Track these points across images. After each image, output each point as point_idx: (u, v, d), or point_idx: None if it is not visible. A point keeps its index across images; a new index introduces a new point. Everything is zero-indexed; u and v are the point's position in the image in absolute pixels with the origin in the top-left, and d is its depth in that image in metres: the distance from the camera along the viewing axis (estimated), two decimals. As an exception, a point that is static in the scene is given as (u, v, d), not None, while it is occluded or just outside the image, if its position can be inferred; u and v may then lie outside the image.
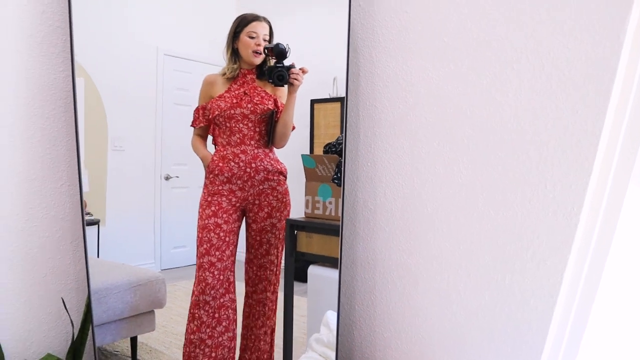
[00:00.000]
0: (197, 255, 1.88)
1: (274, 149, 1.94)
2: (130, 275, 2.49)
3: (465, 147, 1.52)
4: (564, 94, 1.35)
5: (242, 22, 1.85)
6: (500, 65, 1.44)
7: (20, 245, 1.67)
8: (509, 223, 1.47)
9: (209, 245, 1.84)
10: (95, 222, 3.19)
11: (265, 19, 1.86)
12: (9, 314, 1.67)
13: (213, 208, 1.85)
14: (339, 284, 1.76)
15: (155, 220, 3.70)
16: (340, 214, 1.93)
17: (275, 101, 1.90)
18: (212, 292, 1.87)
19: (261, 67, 1.90)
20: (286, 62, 1.79)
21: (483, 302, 1.54)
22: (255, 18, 1.85)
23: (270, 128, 1.88)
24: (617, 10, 1.26)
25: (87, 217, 3.15)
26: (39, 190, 1.70)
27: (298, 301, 2.06)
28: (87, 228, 3.34)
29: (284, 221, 1.96)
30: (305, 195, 2.15)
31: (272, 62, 1.83)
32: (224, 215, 1.86)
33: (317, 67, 2.09)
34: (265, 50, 1.84)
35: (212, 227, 1.84)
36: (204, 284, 1.86)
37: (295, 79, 1.79)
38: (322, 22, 2.29)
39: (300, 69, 1.80)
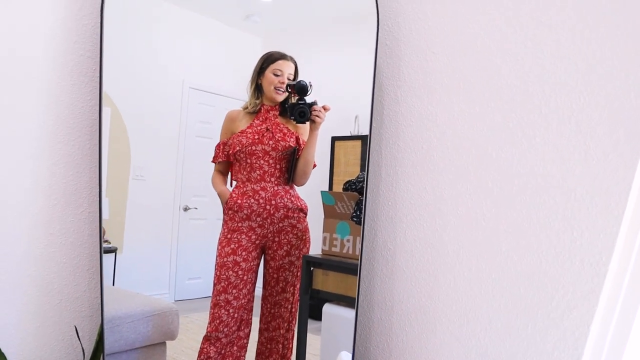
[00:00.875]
0: (213, 292, 1.85)
1: (295, 186, 1.91)
2: (145, 305, 2.46)
3: (490, 190, 1.48)
4: (594, 140, 1.32)
5: (269, 59, 1.86)
6: (528, 109, 1.42)
7: (37, 270, 1.66)
8: (533, 270, 1.42)
9: (226, 283, 1.81)
10: (113, 250, 3.18)
11: (291, 58, 1.86)
12: (22, 339, 1.65)
13: (232, 246, 1.82)
14: (355, 325, 1.72)
15: (172, 251, 3.69)
16: (358, 253, 1.92)
17: (297, 138, 1.89)
18: (225, 329, 1.84)
19: (284, 104, 1.89)
20: (308, 100, 1.79)
21: (503, 350, 1.48)
22: (282, 57, 1.85)
23: (291, 165, 1.87)
24: (649, 57, 1.24)
25: (105, 245, 3.15)
26: (60, 217, 1.70)
27: (312, 339, 2.01)
28: (104, 256, 3.34)
29: (300, 260, 1.93)
30: (323, 232, 2.13)
31: (295, 99, 1.82)
32: (243, 253, 1.83)
33: (340, 105, 2.09)
34: (288, 87, 1.84)
35: (230, 265, 1.81)
36: (217, 322, 1.83)
37: (317, 116, 1.78)
38: (346, 61, 2.30)
39: (322, 106, 1.79)
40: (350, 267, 1.89)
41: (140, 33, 2.52)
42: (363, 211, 1.72)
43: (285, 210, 1.84)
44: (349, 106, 2.32)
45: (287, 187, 1.86)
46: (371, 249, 1.77)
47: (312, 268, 2.08)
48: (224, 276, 1.81)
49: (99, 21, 1.64)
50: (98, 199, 1.70)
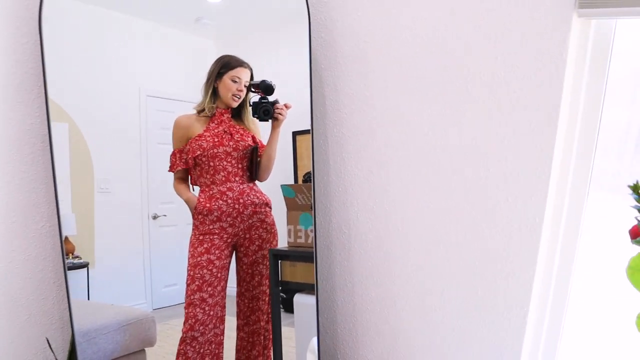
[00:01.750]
0: (187, 292, 1.89)
1: (256, 182, 1.98)
2: (119, 314, 2.50)
3: (431, 167, 1.58)
4: (517, 111, 1.42)
5: (228, 65, 1.89)
6: (457, 88, 1.51)
7: (3, 287, 1.71)
8: (477, 238, 1.52)
9: (201, 282, 1.86)
10: (85, 265, 3.20)
11: (248, 66, 1.90)
12: (-5, 357, 1.70)
13: (205, 245, 1.87)
14: (317, 310, 1.80)
15: (144, 260, 3.70)
16: (314, 237, 1.99)
17: (253, 138, 1.95)
18: (201, 328, 1.89)
19: (237, 110, 1.94)
20: (270, 98, 1.85)
21: (458, 316, 1.58)
22: (240, 64, 1.89)
23: (252, 163, 1.93)
24: (557, 34, 1.34)
25: (75, 261, 3.16)
26: (21, 233, 1.75)
27: (289, 332, 2.08)
28: (77, 271, 3.35)
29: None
30: (287, 224, 2.19)
31: (257, 98, 1.87)
32: (217, 252, 1.88)
33: (298, 100, 2.15)
34: (252, 87, 1.88)
35: (204, 264, 1.86)
36: (193, 320, 1.88)
37: (280, 114, 1.84)
38: (301, 57, 2.38)
39: (284, 104, 1.85)
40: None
41: (92, 45, 2.48)
42: (312, 199, 1.80)
43: (253, 206, 1.90)
44: (307, 101, 2.40)
45: (251, 185, 1.92)
46: (327, 235, 1.86)
47: (279, 261, 2.16)
48: (198, 275, 1.86)
49: (39, 38, 1.68)
50: (56, 212, 1.74)
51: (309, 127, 2.39)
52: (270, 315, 2.01)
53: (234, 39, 2.27)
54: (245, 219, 1.89)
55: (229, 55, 1.91)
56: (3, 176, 1.69)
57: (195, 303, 1.87)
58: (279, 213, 2.07)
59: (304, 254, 1.98)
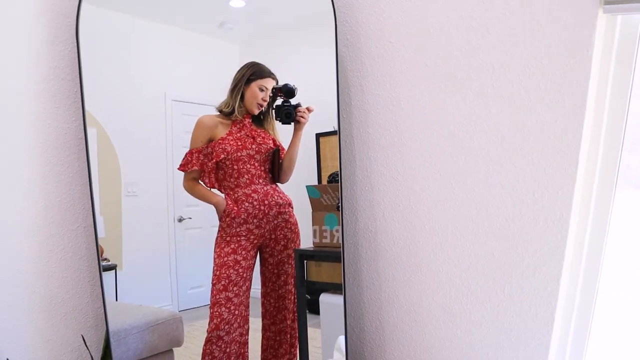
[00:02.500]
0: (212, 292, 1.92)
1: (278, 184, 2.01)
2: (148, 315, 2.55)
3: (456, 164, 1.60)
4: (543, 106, 1.44)
5: (258, 73, 1.92)
6: (483, 85, 1.54)
7: (41, 286, 1.76)
8: (503, 234, 1.54)
9: (227, 281, 1.90)
10: (113, 267, 3.26)
11: (275, 77, 1.93)
12: (32, 354, 1.76)
13: (232, 246, 1.90)
14: (345, 308, 1.83)
15: (170, 262, 3.74)
16: (342, 236, 2.00)
17: (274, 140, 1.98)
18: (227, 327, 1.91)
19: (257, 116, 1.98)
20: (292, 101, 1.88)
21: (485, 313, 1.60)
22: (269, 74, 1.92)
23: (274, 165, 1.96)
24: (583, 30, 1.36)
25: (104, 263, 3.22)
26: (57, 233, 1.81)
27: (314, 333, 2.09)
28: (105, 273, 3.40)
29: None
30: (313, 225, 2.21)
31: (280, 101, 1.91)
32: (243, 252, 1.91)
33: (321, 102, 2.17)
34: (274, 90, 1.91)
35: (231, 264, 1.89)
36: (218, 320, 1.91)
37: (302, 117, 1.88)
38: (324, 59, 2.40)
39: (306, 107, 1.89)
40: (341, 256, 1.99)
41: (118, 52, 2.50)
42: (340, 198, 1.84)
43: (277, 207, 1.94)
44: (331, 102, 2.42)
45: (273, 186, 1.96)
46: (354, 234, 1.89)
47: (304, 261, 2.19)
48: (225, 274, 1.89)
49: (75, 46, 1.75)
50: (92, 213, 1.80)
51: (332, 129, 2.42)
52: (296, 314, 2.04)
53: (257, 43, 2.30)
54: (270, 219, 1.93)
55: (259, 64, 1.94)
56: (42, 178, 1.76)
57: (220, 302, 1.90)
58: (300, 213, 2.11)
59: (330, 254, 1.99)
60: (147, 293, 3.65)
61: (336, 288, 2.07)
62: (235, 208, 1.89)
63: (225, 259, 1.89)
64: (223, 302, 1.90)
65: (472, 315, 1.62)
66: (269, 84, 1.91)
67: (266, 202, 1.91)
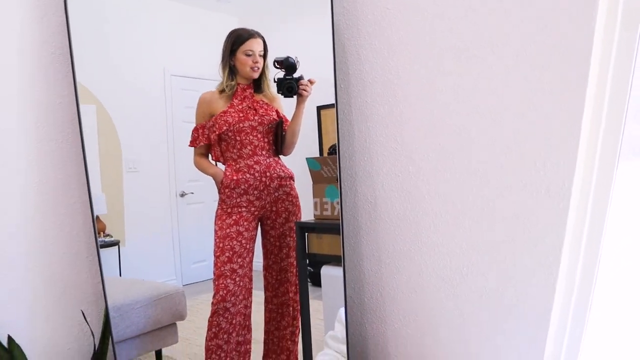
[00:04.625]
0: (216, 264, 1.91)
1: (281, 156, 1.98)
2: (151, 289, 2.54)
3: (456, 133, 1.55)
4: (545, 73, 1.38)
5: (238, 40, 1.88)
6: (484, 52, 1.48)
7: (39, 264, 1.74)
8: (505, 205, 1.50)
9: (231, 252, 1.88)
10: (116, 243, 3.23)
11: (259, 35, 1.89)
12: (34, 329, 1.74)
13: (234, 217, 1.88)
14: (344, 279, 1.79)
15: (173, 237, 3.72)
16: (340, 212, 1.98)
17: (277, 112, 1.95)
18: (233, 298, 1.90)
19: (258, 82, 1.94)
20: (295, 75, 1.84)
21: (486, 283, 1.56)
22: (250, 35, 1.87)
23: (277, 137, 1.93)
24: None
25: (107, 239, 3.20)
26: (53, 210, 1.77)
27: (317, 305, 2.08)
28: (108, 249, 3.38)
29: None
30: (314, 197, 2.17)
31: (282, 74, 1.87)
32: (245, 223, 1.89)
33: (321, 74, 2.13)
34: (275, 64, 1.87)
35: (234, 235, 1.87)
36: (225, 291, 1.90)
37: (304, 90, 1.84)
38: (324, 31, 2.35)
39: (308, 80, 1.84)
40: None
41: (115, 27, 2.49)
42: (338, 169, 1.79)
43: (279, 179, 1.91)
44: (331, 74, 2.37)
45: (276, 158, 1.93)
46: (353, 206, 1.85)
47: (305, 233, 2.16)
48: (228, 246, 1.87)
49: (64, 18, 1.69)
50: (87, 189, 1.76)
51: (333, 102, 2.39)
52: (297, 287, 2.02)
53: (256, 15, 2.25)
54: (271, 191, 1.90)
55: (238, 29, 1.90)
56: (36, 155, 1.72)
57: (226, 274, 1.88)
58: (301, 187, 2.07)
59: (331, 226, 1.97)
60: (150, 268, 3.65)
61: (338, 260, 2.05)
62: (235, 177, 1.87)
63: (228, 230, 1.88)
64: (228, 273, 1.89)
65: (473, 285, 1.58)
66: (254, 45, 1.88)
67: (268, 174, 1.89)
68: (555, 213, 1.41)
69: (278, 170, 1.92)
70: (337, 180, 1.99)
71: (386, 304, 1.79)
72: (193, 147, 1.98)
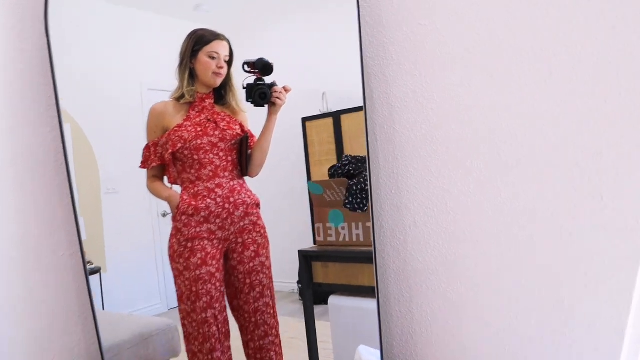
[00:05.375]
0: (195, 311, 1.60)
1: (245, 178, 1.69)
2: (141, 326, 2.26)
3: (503, 163, 1.32)
4: (615, 94, 1.16)
5: (202, 41, 1.58)
6: (533, 69, 1.24)
7: (26, 326, 1.44)
8: (561, 240, 1.27)
9: (209, 297, 1.58)
10: (97, 271, 2.94)
11: (225, 38, 1.60)
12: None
13: (200, 255, 1.57)
14: (379, 318, 1.54)
15: (157, 259, 3.45)
16: (356, 240, 1.74)
17: (241, 125, 1.66)
18: (219, 345, 1.63)
19: (219, 92, 1.65)
20: (267, 80, 1.57)
21: (540, 329, 1.34)
22: (216, 36, 1.58)
23: (242, 155, 1.63)
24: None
25: (87, 266, 2.90)
26: (38, 260, 1.47)
27: (319, 326, 1.89)
28: (89, 277, 3.08)
29: (270, 260, 1.71)
30: (316, 222, 1.96)
31: (252, 79, 1.59)
32: (214, 262, 1.58)
33: (304, 83, 1.91)
34: (245, 66, 1.58)
35: (207, 278, 1.57)
36: (214, 340, 1.61)
37: (278, 98, 1.57)
38: (305, 37, 2.11)
39: (283, 87, 1.58)
40: (351, 256, 1.74)
41: (90, 41, 2.39)
42: (370, 202, 1.53)
43: (244, 207, 1.62)
44: (314, 83, 2.11)
45: (241, 182, 1.65)
46: (379, 242, 1.59)
47: (310, 262, 1.93)
48: (204, 290, 1.57)
49: (46, 41, 1.39)
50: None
51: (317, 112, 2.13)
52: (277, 329, 1.75)
53: (235, 22, 2.03)
54: (236, 221, 1.61)
55: (201, 29, 1.60)
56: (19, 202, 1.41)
57: (209, 321, 1.60)
58: (275, 213, 1.87)
59: (337, 254, 1.79)
60: (135, 293, 3.40)
61: (345, 290, 1.83)
62: (194, 203, 1.57)
63: (198, 272, 1.57)
64: (212, 320, 1.61)
65: (524, 331, 1.36)
66: (219, 47, 1.58)
67: (232, 199, 1.60)
68: (625, 249, 1.19)
69: (243, 195, 1.63)
70: (343, 205, 1.78)
71: (418, 348, 1.55)
72: (145, 169, 1.68)
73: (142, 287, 3.25)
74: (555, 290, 1.30)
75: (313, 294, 1.92)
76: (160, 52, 2.75)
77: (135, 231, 3.25)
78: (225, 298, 1.68)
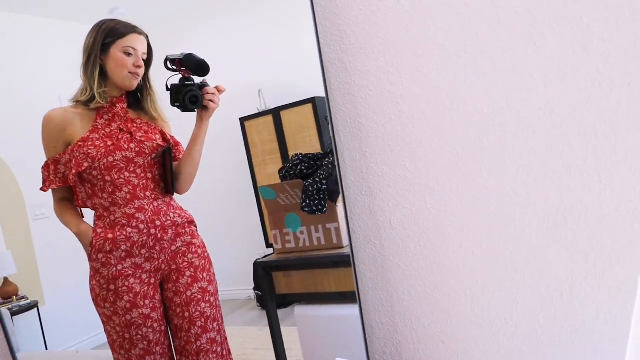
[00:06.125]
0: (131, 359, 1.30)
1: (173, 195, 1.39)
2: (90, 365, 1.95)
3: (489, 153, 1.13)
4: (608, 67, 0.99)
5: (114, 33, 1.25)
6: (520, 43, 1.05)
7: None
8: (557, 229, 1.10)
9: (146, 343, 1.29)
10: (34, 306, 2.57)
11: (143, 32, 1.30)
12: None
13: (127, 297, 1.26)
14: (363, 329, 1.33)
15: None
16: (317, 244, 1.58)
17: (162, 133, 1.35)
18: None
19: (134, 94, 1.35)
20: (196, 80, 1.30)
21: (537, 326, 1.17)
22: (132, 29, 1.27)
23: (166, 170, 1.33)
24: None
25: (22, 302, 2.54)
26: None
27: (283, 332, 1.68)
28: (25, 315, 2.75)
29: (216, 284, 1.42)
30: (272, 229, 1.75)
31: (178, 79, 1.30)
32: (146, 302, 1.28)
33: (237, 82, 1.71)
34: (168, 63, 1.29)
35: (141, 322, 1.28)
36: None
37: (211, 101, 1.28)
38: (232, 35, 1.94)
39: (215, 87, 1.30)
40: (314, 262, 1.56)
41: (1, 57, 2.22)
42: (344, 208, 1.30)
43: (174, 227, 1.33)
44: (247, 81, 1.96)
45: (167, 200, 1.34)
46: (353, 249, 1.37)
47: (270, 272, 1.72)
48: (140, 336, 1.28)
49: None
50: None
51: (255, 111, 1.98)
52: None
53: (156, 23, 1.81)
54: (166, 246, 1.31)
55: (112, 20, 1.28)
56: None
57: None
58: (223, 226, 1.77)
59: (299, 261, 1.61)
60: (80, 325, 3.12)
61: (311, 299, 1.66)
62: (111, 236, 1.25)
63: (129, 316, 1.27)
64: None
65: (520, 329, 1.19)
66: (137, 42, 1.27)
67: (158, 222, 1.29)
68: (628, 237, 1.03)
69: (172, 215, 1.33)
70: (300, 209, 1.59)
71: (404, 358, 1.35)
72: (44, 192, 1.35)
73: (88, 316, 2.92)
74: (554, 285, 1.12)
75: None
76: (77, 61, 2.59)
77: (73, 257, 2.92)
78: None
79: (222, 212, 2.17)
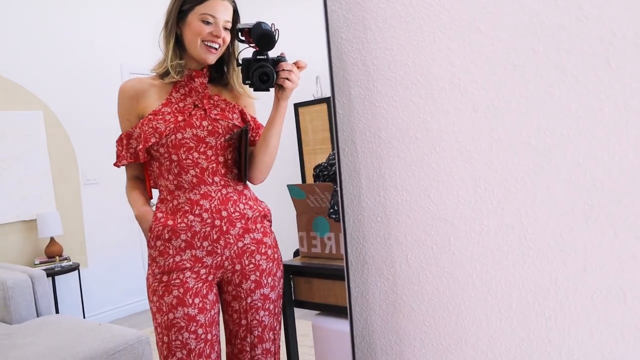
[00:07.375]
0: None
1: (249, 184, 1.18)
2: (107, 340, 1.88)
3: (536, 194, 0.86)
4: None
5: None
6: (589, 62, 0.77)
7: None
8: (610, 304, 0.82)
9: (186, 351, 1.08)
10: (75, 268, 2.57)
11: None
12: None
13: (176, 292, 1.07)
14: (352, 342, 1.12)
15: (143, 252, 3.10)
16: (344, 252, 1.34)
17: (242, 113, 1.15)
18: None
19: (218, 69, 1.15)
20: (270, 55, 1.06)
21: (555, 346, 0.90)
22: None
23: (241, 155, 1.12)
24: None
25: (64, 264, 2.53)
26: None
27: (301, 325, 1.58)
28: (66, 275, 2.76)
29: (280, 289, 1.21)
30: (299, 231, 1.60)
31: (249, 53, 1.07)
32: (196, 301, 1.08)
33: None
34: (239, 33, 1.07)
35: (184, 324, 1.08)
36: None
37: (287, 79, 1.04)
38: (296, 16, 1.81)
39: (294, 63, 1.06)
40: (336, 273, 1.36)
41: (64, 26, 2.23)
42: (343, 232, 1.08)
43: (244, 221, 1.11)
44: (310, 61, 1.82)
45: (239, 188, 1.13)
46: (361, 282, 1.15)
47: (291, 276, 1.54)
48: (179, 342, 1.07)
49: None
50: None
51: (311, 97, 1.89)
52: None
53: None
54: (232, 241, 1.10)
55: None
56: None
57: None
58: (284, 212, 1.50)
59: (322, 270, 1.43)
60: (118, 289, 3.11)
61: (331, 310, 1.46)
62: (171, 223, 1.07)
63: (172, 315, 1.07)
64: None
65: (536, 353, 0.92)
66: (218, 8, 1.05)
67: (224, 213, 1.09)
68: None
69: (242, 206, 1.12)
70: (327, 214, 1.42)
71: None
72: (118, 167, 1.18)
73: (126, 282, 2.92)
74: (584, 333, 0.85)
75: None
76: (141, 34, 2.54)
77: (118, 223, 2.91)
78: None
79: (265, 198, 2.03)
